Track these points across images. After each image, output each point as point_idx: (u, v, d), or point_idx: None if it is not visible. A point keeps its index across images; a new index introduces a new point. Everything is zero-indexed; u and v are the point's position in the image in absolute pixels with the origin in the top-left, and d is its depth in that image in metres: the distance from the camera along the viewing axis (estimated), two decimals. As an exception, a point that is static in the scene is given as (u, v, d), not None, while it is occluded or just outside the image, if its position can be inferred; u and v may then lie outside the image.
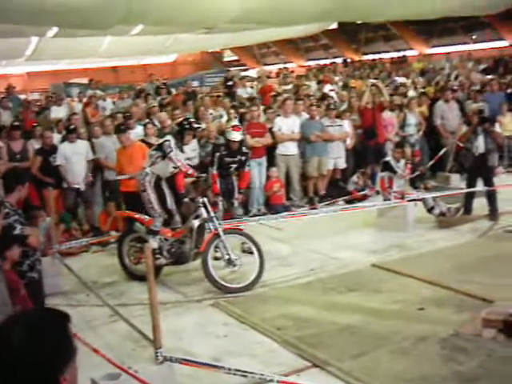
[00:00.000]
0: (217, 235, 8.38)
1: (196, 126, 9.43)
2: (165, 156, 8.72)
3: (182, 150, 9.06)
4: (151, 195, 8.82)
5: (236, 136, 9.76)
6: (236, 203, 10.05)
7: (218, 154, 9.91)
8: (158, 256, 8.52)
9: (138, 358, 6.10)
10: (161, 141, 9.11)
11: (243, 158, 9.94)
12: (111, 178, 11.45)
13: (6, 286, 4.47)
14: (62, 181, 11.13)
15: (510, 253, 8.95)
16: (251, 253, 8.72)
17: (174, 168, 8.96)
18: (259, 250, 8.47)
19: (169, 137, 9.02)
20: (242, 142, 9.93)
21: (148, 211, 8.93)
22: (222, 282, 8.29)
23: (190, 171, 8.90)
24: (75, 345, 2.01)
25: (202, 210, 8.49)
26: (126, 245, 9.20)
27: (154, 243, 8.56)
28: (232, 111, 13.57)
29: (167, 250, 8.80)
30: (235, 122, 10.90)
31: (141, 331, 6.09)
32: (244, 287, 8.30)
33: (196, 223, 8.60)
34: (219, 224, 8.50)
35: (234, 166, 9.92)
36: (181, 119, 9.88)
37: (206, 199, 8.61)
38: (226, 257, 8.39)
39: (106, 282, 9.16)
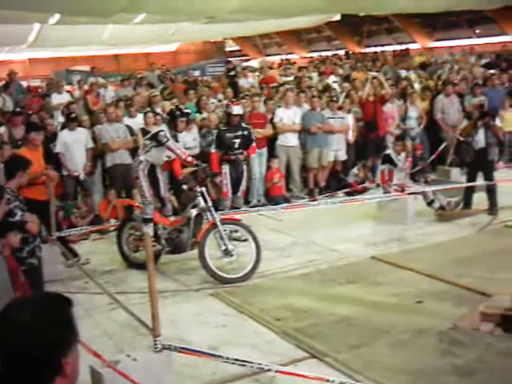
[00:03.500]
0: (214, 225, 8.38)
1: (186, 111, 9.45)
2: (160, 145, 8.72)
3: (176, 140, 9.08)
4: (143, 183, 8.82)
5: (237, 109, 10.02)
6: (239, 193, 10.19)
7: (216, 131, 10.07)
8: (154, 244, 8.49)
9: (136, 346, 6.10)
10: (154, 131, 9.12)
11: (245, 132, 10.09)
12: (111, 166, 11.49)
13: (7, 272, 4.47)
14: (62, 168, 11.10)
15: (509, 247, 8.96)
16: (242, 240, 8.74)
17: (168, 157, 9.01)
18: (256, 241, 8.45)
19: (163, 126, 9.04)
20: (241, 117, 10.14)
21: (141, 199, 8.97)
22: (219, 272, 8.30)
23: (189, 158, 8.92)
24: (77, 329, 2.02)
25: (200, 199, 8.48)
26: (126, 233, 9.21)
27: (148, 231, 8.51)
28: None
29: (165, 239, 8.81)
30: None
31: (140, 319, 6.09)
32: (241, 277, 8.30)
33: (194, 212, 8.60)
34: (217, 214, 8.50)
35: (238, 141, 10.02)
36: (171, 108, 9.97)
37: (204, 189, 8.61)
38: (223, 247, 8.36)
39: (106, 269, 9.17)
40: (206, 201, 8.45)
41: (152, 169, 8.94)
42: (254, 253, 8.39)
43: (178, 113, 9.08)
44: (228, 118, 10.28)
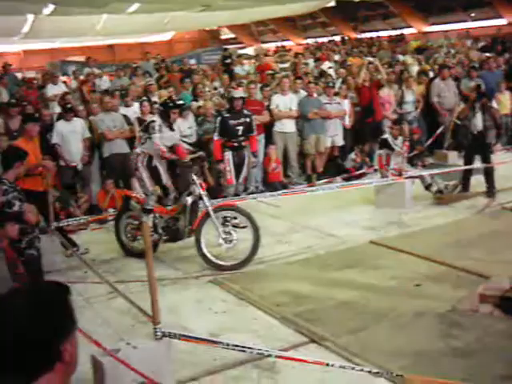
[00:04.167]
0: (208, 214, 8.35)
1: (179, 102, 9.44)
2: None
3: (171, 128, 9.04)
4: (143, 174, 8.81)
5: (239, 93, 10.05)
6: (241, 180, 10.22)
7: (219, 119, 10.06)
8: (152, 233, 8.49)
9: (136, 334, 6.12)
10: (147, 122, 9.10)
11: (247, 119, 10.10)
12: (108, 155, 11.47)
13: (5, 263, 4.48)
14: (59, 159, 11.08)
15: (507, 229, 8.99)
16: (242, 227, 8.74)
17: (170, 144, 9.00)
18: (254, 226, 8.37)
19: (155, 117, 9.03)
20: (244, 102, 10.14)
21: (142, 190, 8.95)
22: (215, 260, 8.28)
23: (167, 154, 8.81)
24: (75, 317, 2.02)
25: (195, 187, 8.47)
26: (123, 222, 9.20)
27: (147, 221, 8.51)
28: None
29: (162, 228, 8.79)
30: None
31: (139, 307, 6.10)
32: (238, 264, 8.27)
33: (189, 200, 8.57)
34: (209, 202, 8.46)
35: (241, 128, 10.03)
36: (164, 98, 9.96)
37: (195, 177, 8.54)
38: (221, 234, 8.30)
39: (104, 259, 9.17)
40: (200, 188, 8.41)
41: (150, 159, 8.92)
42: (252, 239, 8.33)
43: (170, 104, 9.07)
44: (231, 103, 10.29)
